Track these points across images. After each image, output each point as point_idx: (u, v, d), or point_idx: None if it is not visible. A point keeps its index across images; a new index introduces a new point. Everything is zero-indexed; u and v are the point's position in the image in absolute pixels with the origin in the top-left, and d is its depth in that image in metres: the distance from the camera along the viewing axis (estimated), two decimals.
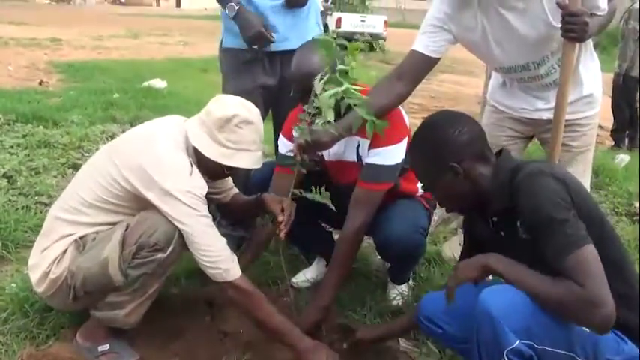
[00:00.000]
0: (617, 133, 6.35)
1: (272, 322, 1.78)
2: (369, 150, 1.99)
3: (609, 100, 6.13)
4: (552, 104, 1.92)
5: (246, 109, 1.77)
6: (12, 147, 3.93)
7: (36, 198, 3.07)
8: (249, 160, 1.77)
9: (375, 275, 2.48)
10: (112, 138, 4.17)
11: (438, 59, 2.02)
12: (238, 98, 1.82)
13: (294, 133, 1.88)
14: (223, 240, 1.75)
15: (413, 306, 1.86)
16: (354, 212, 1.99)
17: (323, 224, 2.44)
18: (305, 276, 2.43)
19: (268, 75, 2.50)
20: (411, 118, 2.28)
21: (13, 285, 2.08)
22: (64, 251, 1.75)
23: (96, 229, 1.77)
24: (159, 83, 7.03)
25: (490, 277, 1.57)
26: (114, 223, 1.76)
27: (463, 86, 10.16)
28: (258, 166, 1.82)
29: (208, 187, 1.76)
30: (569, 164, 2.06)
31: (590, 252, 1.28)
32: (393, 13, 26.06)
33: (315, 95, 1.77)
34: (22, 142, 4.08)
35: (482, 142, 1.53)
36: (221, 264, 1.72)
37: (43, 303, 1.93)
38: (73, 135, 4.30)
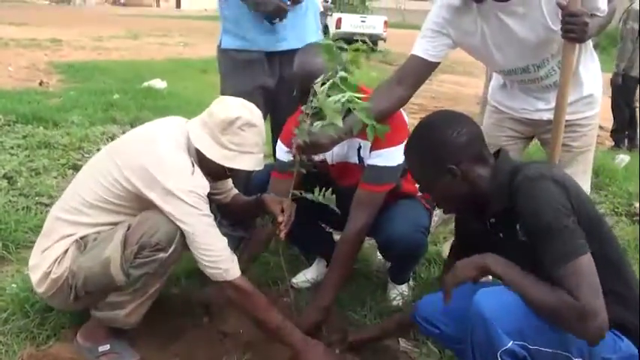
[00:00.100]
0: (617, 134, 6.36)
1: (271, 321, 1.79)
2: (370, 151, 2.00)
3: (609, 100, 6.13)
4: (553, 105, 1.92)
5: (249, 111, 1.77)
6: (12, 148, 3.94)
7: (36, 199, 3.06)
8: (251, 162, 1.78)
9: (376, 276, 2.48)
10: (113, 139, 4.17)
11: (438, 63, 2.03)
12: (241, 100, 1.82)
13: (295, 133, 1.88)
14: (224, 240, 1.76)
15: (412, 306, 1.87)
16: (355, 213, 2.00)
17: (323, 225, 2.45)
18: (305, 276, 2.43)
19: (267, 75, 2.50)
20: (411, 119, 2.28)
21: (14, 285, 2.08)
22: (65, 251, 1.75)
23: (97, 229, 1.77)
24: (159, 84, 7.03)
25: (490, 277, 1.57)
26: (115, 223, 1.76)
27: (463, 87, 10.17)
28: (260, 167, 1.83)
29: (209, 188, 1.76)
30: (569, 164, 2.06)
31: (586, 263, 1.27)
32: (393, 14, 26.08)
33: (314, 95, 1.77)
34: (22, 142, 4.09)
35: (480, 143, 1.52)
36: (221, 264, 1.73)
37: (43, 303, 1.93)
38: (73, 136, 4.30)
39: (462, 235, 1.75)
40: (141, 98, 6.10)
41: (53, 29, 15.41)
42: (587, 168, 2.18)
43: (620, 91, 6.21)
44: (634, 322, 1.38)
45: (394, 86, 2.00)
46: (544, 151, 2.20)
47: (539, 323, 1.31)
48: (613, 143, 6.32)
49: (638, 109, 6.29)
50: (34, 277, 1.79)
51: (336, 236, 2.40)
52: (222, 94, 2.37)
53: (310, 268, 2.47)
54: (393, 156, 1.98)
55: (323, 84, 1.76)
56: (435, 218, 2.72)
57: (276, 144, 2.30)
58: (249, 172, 2.02)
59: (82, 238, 1.76)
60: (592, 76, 2.08)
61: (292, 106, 2.13)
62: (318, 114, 1.78)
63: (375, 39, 15.83)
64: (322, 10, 12.25)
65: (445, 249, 2.74)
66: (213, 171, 1.79)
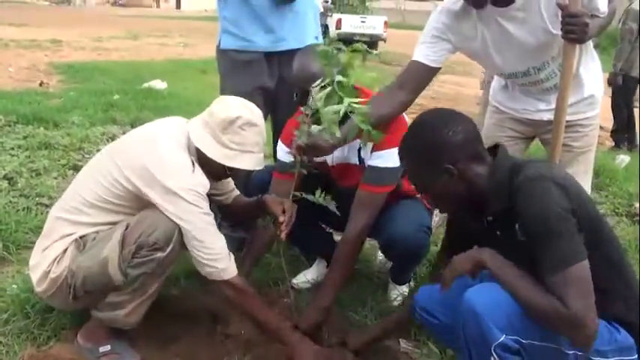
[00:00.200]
0: (617, 134, 6.36)
1: (269, 320, 1.83)
2: (371, 152, 2.00)
3: (609, 101, 6.13)
4: (554, 106, 1.92)
5: (250, 111, 1.78)
6: (12, 148, 3.94)
7: (37, 199, 3.07)
8: (251, 161, 1.78)
9: (377, 276, 2.48)
10: (113, 139, 4.17)
11: (439, 68, 2.04)
12: (241, 99, 1.82)
13: (295, 134, 1.88)
14: (223, 239, 1.76)
15: (411, 298, 1.86)
16: (356, 214, 2.00)
17: (323, 225, 2.45)
18: (305, 277, 2.43)
19: (267, 76, 2.49)
20: (411, 119, 2.28)
21: (14, 286, 2.08)
22: (65, 250, 1.76)
23: (96, 228, 1.77)
24: (159, 84, 7.04)
25: None
26: (114, 223, 1.76)
27: (463, 87, 10.17)
28: (261, 167, 1.83)
29: (210, 189, 1.77)
30: (570, 164, 2.07)
31: (581, 270, 1.27)
32: (393, 14, 26.09)
33: (313, 98, 1.77)
34: (22, 143, 4.09)
35: (476, 141, 1.49)
36: (218, 263, 1.73)
37: (43, 304, 1.93)
38: (73, 136, 4.31)
39: (456, 233, 1.74)
40: (141, 99, 6.10)
41: (53, 30, 15.42)
42: (588, 168, 2.18)
43: (621, 91, 6.21)
44: (634, 322, 1.38)
45: (396, 91, 2.01)
46: (545, 150, 2.20)
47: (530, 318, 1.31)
48: (613, 143, 6.32)
49: (637, 110, 6.28)
50: (34, 276, 1.80)
51: (337, 237, 2.39)
52: (222, 94, 2.37)
53: (311, 268, 2.48)
54: (394, 157, 1.96)
55: (322, 87, 1.75)
56: (435, 218, 2.72)
57: (276, 144, 2.30)
58: (249, 172, 2.02)
59: (81, 237, 1.77)
60: (593, 77, 2.08)
61: (292, 107, 2.12)
62: (317, 116, 1.78)
63: (375, 39, 15.85)
64: (322, 10, 12.27)
65: None
66: (213, 170, 1.79)
